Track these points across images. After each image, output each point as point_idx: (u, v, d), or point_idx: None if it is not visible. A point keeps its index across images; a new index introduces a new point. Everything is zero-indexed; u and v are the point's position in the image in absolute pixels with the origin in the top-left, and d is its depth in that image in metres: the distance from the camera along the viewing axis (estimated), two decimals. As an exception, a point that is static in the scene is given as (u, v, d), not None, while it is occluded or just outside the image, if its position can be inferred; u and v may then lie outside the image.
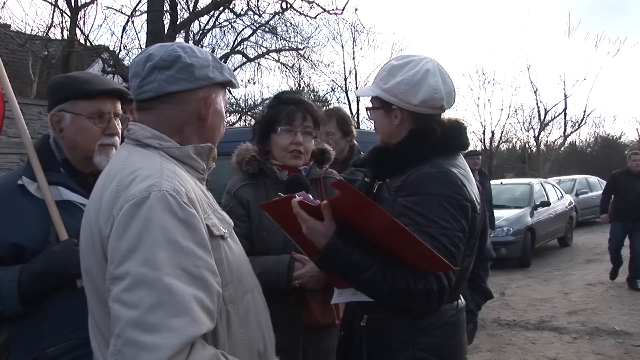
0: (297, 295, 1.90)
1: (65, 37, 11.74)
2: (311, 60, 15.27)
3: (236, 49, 14.22)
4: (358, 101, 19.63)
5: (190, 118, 1.28)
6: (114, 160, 1.26)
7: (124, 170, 1.16)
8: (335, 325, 1.95)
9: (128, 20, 11.86)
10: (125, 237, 1.05)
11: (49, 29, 12.19)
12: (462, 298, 1.69)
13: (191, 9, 12.36)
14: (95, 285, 1.17)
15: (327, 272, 1.59)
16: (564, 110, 25.13)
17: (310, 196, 1.52)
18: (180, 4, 11.76)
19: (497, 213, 8.62)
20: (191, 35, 13.06)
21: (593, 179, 16.84)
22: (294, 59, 15.08)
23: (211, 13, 12.62)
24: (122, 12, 12.06)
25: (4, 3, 14.79)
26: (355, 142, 3.22)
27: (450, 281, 1.45)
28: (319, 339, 1.96)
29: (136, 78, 1.26)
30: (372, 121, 1.74)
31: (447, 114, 1.73)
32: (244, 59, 14.64)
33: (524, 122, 27.35)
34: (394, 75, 1.62)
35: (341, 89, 20.33)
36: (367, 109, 1.79)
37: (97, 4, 12.78)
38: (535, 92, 25.59)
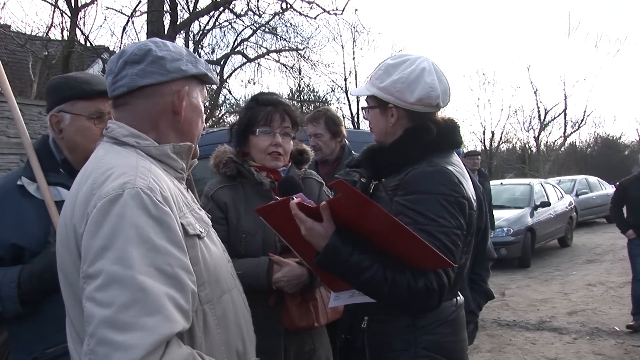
0: (276, 297, 1.89)
1: (65, 37, 11.74)
2: (311, 61, 15.31)
3: (236, 49, 14.26)
4: (358, 102, 19.63)
5: (164, 112, 1.27)
6: (91, 159, 1.25)
7: (99, 169, 1.16)
8: (314, 328, 1.94)
9: (128, 21, 11.89)
10: (99, 235, 1.04)
11: (49, 29, 12.22)
12: (460, 295, 1.70)
13: (191, 9, 12.37)
14: (71, 283, 1.16)
15: (324, 274, 1.58)
16: (564, 110, 25.20)
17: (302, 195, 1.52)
18: (180, 4, 11.78)
19: (497, 213, 8.62)
20: (191, 36, 13.08)
21: (593, 179, 16.84)
22: (294, 59, 15.13)
23: (211, 13, 12.66)
24: (122, 13, 12.10)
25: (4, 3, 14.82)
26: (347, 141, 3.18)
27: (450, 278, 1.45)
28: (301, 341, 1.95)
29: (110, 75, 1.26)
30: (368, 121, 1.74)
31: (447, 114, 1.73)
32: (244, 60, 14.69)
33: (524, 123, 27.45)
34: (390, 74, 1.62)
35: (341, 89, 20.37)
36: (362, 108, 1.80)
37: (97, 4, 12.80)
38: (535, 92, 25.72)
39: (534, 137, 26.82)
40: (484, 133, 26.76)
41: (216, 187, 1.99)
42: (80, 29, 11.75)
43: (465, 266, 1.66)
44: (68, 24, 11.81)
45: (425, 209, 1.46)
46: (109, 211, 1.05)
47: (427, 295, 1.41)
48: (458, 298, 1.67)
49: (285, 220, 1.46)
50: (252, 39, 14.16)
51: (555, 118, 25.82)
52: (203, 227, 1.27)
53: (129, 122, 1.25)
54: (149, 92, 1.24)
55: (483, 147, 26.17)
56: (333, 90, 20.13)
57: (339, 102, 20.54)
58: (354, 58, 21.35)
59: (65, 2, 11.51)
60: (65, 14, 11.80)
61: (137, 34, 12.36)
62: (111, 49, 12.69)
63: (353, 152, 2.85)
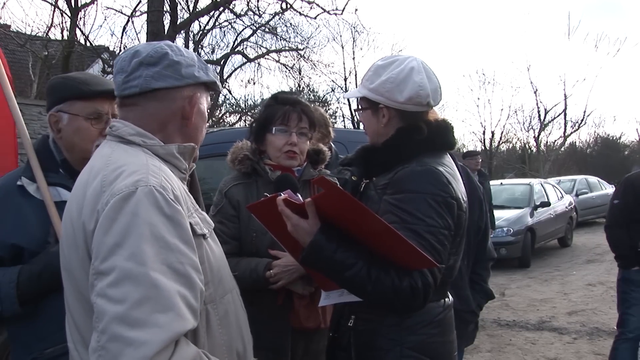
0: (284, 296, 1.91)
1: (65, 37, 11.72)
2: (311, 61, 15.30)
3: (236, 49, 14.24)
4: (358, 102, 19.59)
5: (174, 116, 1.27)
6: (96, 157, 1.25)
7: (108, 167, 1.16)
8: (320, 329, 1.95)
9: (128, 21, 11.85)
10: (112, 231, 1.04)
11: (49, 29, 12.17)
12: (449, 296, 1.69)
13: (191, 9, 12.35)
14: (75, 281, 1.16)
15: (314, 273, 1.58)
16: (564, 110, 25.16)
17: (299, 195, 1.53)
18: (180, 4, 11.76)
19: (497, 213, 8.62)
20: (191, 36, 13.08)
21: (593, 179, 16.86)
22: (294, 59, 15.11)
23: (211, 13, 12.63)
24: (122, 13, 12.06)
25: (4, 3, 14.82)
26: (332, 144, 3.00)
27: (436, 278, 1.44)
28: (309, 339, 1.96)
29: (121, 74, 1.25)
30: (362, 122, 1.75)
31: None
32: (244, 59, 14.68)
33: (524, 123, 27.40)
34: (379, 74, 1.63)
35: (341, 89, 20.34)
36: (355, 110, 1.81)
37: (97, 4, 12.79)
38: (535, 92, 25.65)
39: (534, 137, 26.81)
40: (484, 133, 26.76)
41: (230, 185, 2.01)
42: (80, 29, 11.73)
43: (455, 268, 1.64)
44: (68, 24, 11.77)
45: (413, 208, 1.46)
46: (122, 208, 1.05)
47: (412, 295, 1.40)
48: (446, 299, 1.66)
49: (274, 217, 1.47)
50: (252, 39, 14.16)
51: (555, 118, 25.81)
52: (207, 228, 1.27)
53: (136, 122, 1.25)
54: (161, 95, 1.25)
55: (483, 147, 26.16)
56: (333, 90, 20.13)
57: (338, 102, 20.54)
58: (354, 58, 21.39)
59: (65, 2, 11.48)
60: (65, 14, 11.77)
61: (137, 34, 12.35)
62: (111, 49, 12.68)
63: (340, 155, 2.82)
